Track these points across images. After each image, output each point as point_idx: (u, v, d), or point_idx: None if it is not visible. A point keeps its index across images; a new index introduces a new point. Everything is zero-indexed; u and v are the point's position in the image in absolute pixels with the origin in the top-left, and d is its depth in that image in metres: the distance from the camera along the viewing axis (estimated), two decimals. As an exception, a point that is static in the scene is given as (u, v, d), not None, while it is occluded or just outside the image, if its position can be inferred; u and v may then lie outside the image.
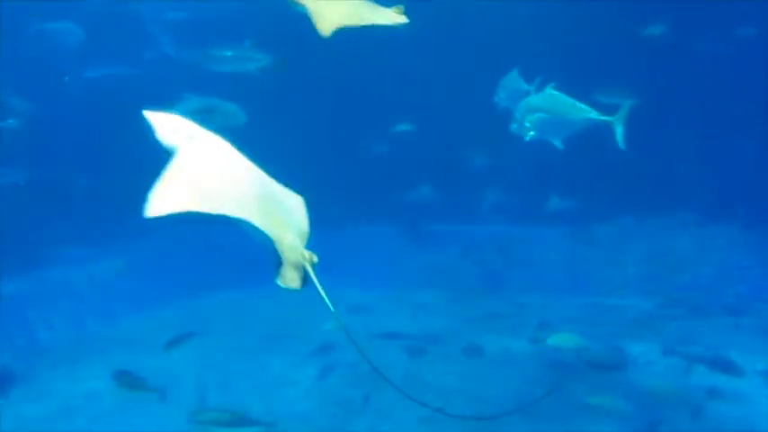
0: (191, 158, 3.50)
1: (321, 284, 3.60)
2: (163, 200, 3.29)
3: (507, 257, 11.55)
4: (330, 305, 3.58)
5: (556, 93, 6.65)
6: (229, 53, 9.15)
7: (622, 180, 11.37)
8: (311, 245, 3.82)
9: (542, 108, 6.57)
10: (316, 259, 3.64)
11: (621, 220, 11.39)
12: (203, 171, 3.50)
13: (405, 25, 4.62)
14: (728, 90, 11.51)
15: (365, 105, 11.71)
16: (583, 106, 6.54)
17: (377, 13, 4.62)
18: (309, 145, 11.10)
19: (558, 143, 6.65)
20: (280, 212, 3.71)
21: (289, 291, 3.63)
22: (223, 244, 11.29)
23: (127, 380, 7.13)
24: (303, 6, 4.48)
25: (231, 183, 3.56)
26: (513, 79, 7.48)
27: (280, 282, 3.65)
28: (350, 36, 4.54)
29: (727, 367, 8.20)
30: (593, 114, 6.48)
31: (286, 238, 3.62)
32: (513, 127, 6.77)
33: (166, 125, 3.59)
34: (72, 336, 10.01)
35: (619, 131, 6.43)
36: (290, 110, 11.31)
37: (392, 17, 4.62)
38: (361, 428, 7.18)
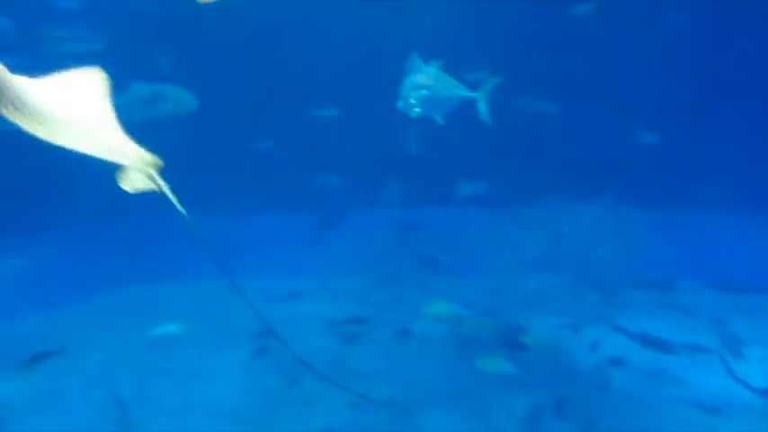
0: None
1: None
2: None
3: (437, 241, 11.63)
4: (183, 211, 3.53)
5: (436, 71, 6.90)
6: (64, 33, 8.81)
7: (553, 163, 11.68)
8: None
9: (425, 86, 6.82)
10: (161, 162, 3.57)
11: (550, 202, 11.64)
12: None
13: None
14: (638, 77, 11.94)
15: (273, 87, 11.57)
16: (456, 83, 6.82)
17: None
18: (216, 132, 10.91)
19: (439, 119, 6.90)
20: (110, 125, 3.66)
21: (134, 193, 3.56)
22: (131, 237, 11.05)
23: None
24: None
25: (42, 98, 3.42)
26: (414, 63, 7.58)
27: (123, 185, 3.60)
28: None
29: (637, 341, 8.55)
30: (464, 91, 6.77)
31: (124, 144, 3.57)
32: (400, 104, 6.99)
33: None
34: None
35: (482, 107, 6.70)
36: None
37: None
38: (285, 417, 7.09)
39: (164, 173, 3.65)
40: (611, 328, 9.07)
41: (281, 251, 11.38)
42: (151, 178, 3.56)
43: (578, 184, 11.38)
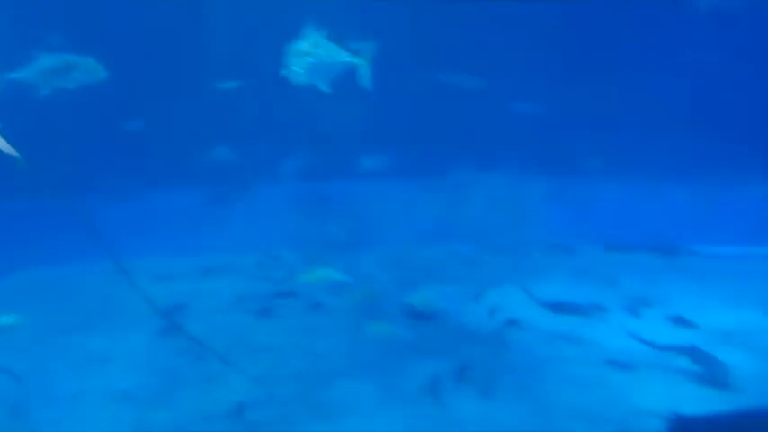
0: None
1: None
2: None
3: (339, 214, 11.57)
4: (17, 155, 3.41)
5: (319, 38, 6.89)
6: None
7: (456, 135, 11.82)
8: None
9: (308, 53, 6.81)
10: None
11: (452, 173, 11.76)
12: None
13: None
14: (533, 51, 12.22)
15: (165, 61, 11.20)
16: (339, 50, 6.86)
17: None
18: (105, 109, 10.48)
19: (323, 86, 6.91)
20: None
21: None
22: (27, 217, 10.53)
23: None
24: None
25: None
26: (308, 32, 7.52)
27: None
28: None
29: (538, 303, 8.81)
30: (347, 57, 6.81)
31: None
32: (284, 72, 6.94)
33: None
34: None
35: (364, 73, 6.75)
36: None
37: None
38: (188, 396, 6.94)
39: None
40: (512, 292, 9.31)
41: (184, 228, 11.13)
42: None
43: (480, 155, 11.58)
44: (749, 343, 8.24)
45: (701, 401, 6.62)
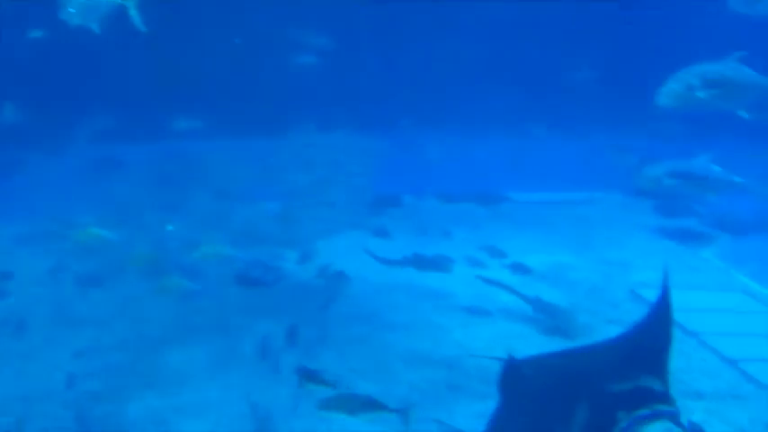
0: None
1: None
2: None
3: (144, 179, 10.99)
4: None
5: None
6: None
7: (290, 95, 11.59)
8: None
9: None
10: None
11: (291, 133, 11.57)
12: None
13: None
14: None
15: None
16: None
17: None
18: None
19: (95, 27, 6.71)
20: None
21: None
22: None
23: None
24: None
25: None
26: None
27: None
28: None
29: (370, 257, 8.93)
30: None
31: None
32: (63, 14, 6.75)
33: None
34: None
35: (133, 14, 6.61)
36: None
37: None
38: (3, 378, 6.46)
39: None
40: (343, 247, 9.42)
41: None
42: None
43: (308, 116, 11.49)
44: (565, 279, 8.90)
45: (534, 342, 6.97)
